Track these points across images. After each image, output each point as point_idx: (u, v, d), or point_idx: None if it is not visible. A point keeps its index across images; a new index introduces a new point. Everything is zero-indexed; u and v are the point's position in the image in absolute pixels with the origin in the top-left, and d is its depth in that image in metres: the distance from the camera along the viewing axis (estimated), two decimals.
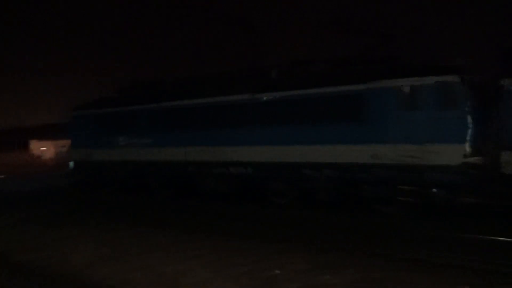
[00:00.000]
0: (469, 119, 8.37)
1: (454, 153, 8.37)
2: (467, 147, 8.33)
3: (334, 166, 9.86)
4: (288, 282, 5.51)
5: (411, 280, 5.40)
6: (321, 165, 10.04)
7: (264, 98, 11.01)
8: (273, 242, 7.43)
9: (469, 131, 8.38)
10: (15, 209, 12.16)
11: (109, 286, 5.43)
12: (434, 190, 8.74)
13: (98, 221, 9.90)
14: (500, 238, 6.96)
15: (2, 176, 23.55)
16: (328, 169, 9.97)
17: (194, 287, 5.48)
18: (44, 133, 34.26)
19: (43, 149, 34.66)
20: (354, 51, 11.64)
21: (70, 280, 5.69)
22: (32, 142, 35.46)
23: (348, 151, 9.61)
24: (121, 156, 14.00)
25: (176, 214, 10.51)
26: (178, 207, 11.41)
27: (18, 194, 15.84)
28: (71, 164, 15.78)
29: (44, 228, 9.29)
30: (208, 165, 11.95)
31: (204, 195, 12.29)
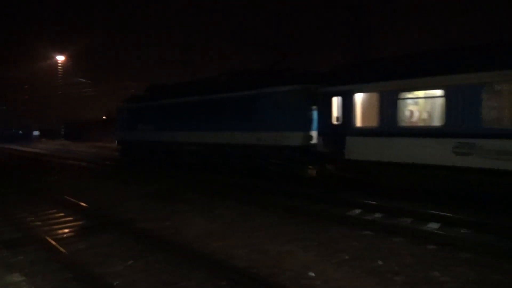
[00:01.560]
0: (308, 115, 12.45)
1: (298, 138, 12.62)
2: (306, 134, 12.50)
3: (241, 146, 14.45)
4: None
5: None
6: (235, 145, 14.70)
7: (203, 99, 16.47)
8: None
9: (308, 124, 12.46)
10: (131, 185, 13.82)
11: (217, 260, 5.86)
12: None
13: (205, 199, 10.71)
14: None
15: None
16: (238, 148, 14.63)
17: (295, 268, 5.63)
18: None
19: None
20: (262, 64, 17.95)
21: (183, 250, 6.28)
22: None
23: (247, 136, 14.12)
24: (139, 137, 20.87)
25: (278, 197, 10.83)
26: (280, 189, 11.72)
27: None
28: (116, 142, 23.86)
29: (161, 203, 10.37)
30: (183, 144, 17.43)
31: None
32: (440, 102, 9.51)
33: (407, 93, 10.18)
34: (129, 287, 5.15)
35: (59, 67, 44.10)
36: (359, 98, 11.27)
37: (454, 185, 9.23)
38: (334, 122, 11.71)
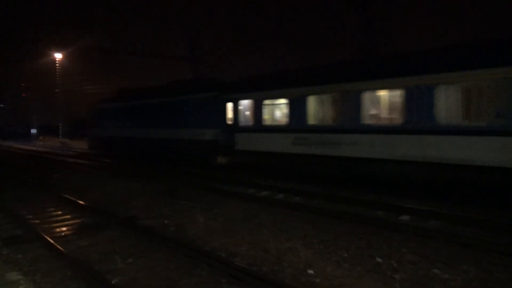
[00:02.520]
0: (217, 116, 15.67)
1: (209, 134, 16.15)
2: (215, 131, 15.89)
3: (175, 140, 18.20)
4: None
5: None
6: (171, 140, 18.45)
7: (151, 102, 20.30)
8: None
9: (216, 123, 15.78)
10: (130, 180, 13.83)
11: (218, 257, 5.86)
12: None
13: (207, 197, 10.71)
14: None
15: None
16: (173, 142, 18.34)
17: (296, 266, 5.63)
18: None
19: None
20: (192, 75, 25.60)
21: (185, 247, 6.28)
22: None
23: (179, 132, 17.95)
24: (106, 133, 24.63)
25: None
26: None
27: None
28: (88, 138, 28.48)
29: (162, 201, 10.37)
30: (137, 139, 21.12)
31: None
32: (285, 108, 13.19)
33: (267, 100, 13.98)
34: (129, 284, 5.15)
35: (57, 65, 43.99)
36: (242, 103, 15.00)
37: (295, 165, 13.12)
38: (228, 122, 15.38)
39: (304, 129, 12.46)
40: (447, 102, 9.37)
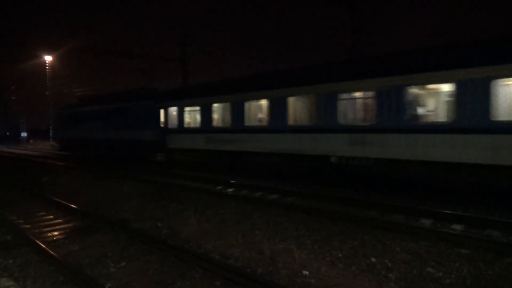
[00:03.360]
0: (155, 120, 18.51)
1: (148, 135, 18.94)
2: (153, 132, 18.66)
3: (123, 140, 20.96)
4: None
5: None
6: (120, 140, 21.20)
7: (104, 107, 23.32)
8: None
9: (154, 126, 18.60)
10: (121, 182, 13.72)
11: (211, 259, 5.82)
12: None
13: (199, 199, 10.65)
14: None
15: None
16: (122, 142, 21.05)
17: (291, 267, 5.61)
18: None
19: None
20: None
21: (178, 250, 6.23)
22: None
23: (126, 134, 20.72)
24: (71, 135, 27.68)
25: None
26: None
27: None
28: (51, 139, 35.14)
29: (153, 203, 10.29)
30: (94, 140, 24.05)
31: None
32: (199, 113, 16.57)
33: (187, 107, 17.37)
34: None
35: (47, 67, 43.51)
36: (171, 110, 18.23)
37: (209, 159, 16.34)
38: (162, 125, 18.56)
39: (211, 130, 15.97)
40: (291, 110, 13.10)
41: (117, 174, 16.28)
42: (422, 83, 9.95)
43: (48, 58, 42.43)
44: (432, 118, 10.21)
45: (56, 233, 7.68)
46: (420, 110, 10.42)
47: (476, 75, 8.79)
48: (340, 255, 6.10)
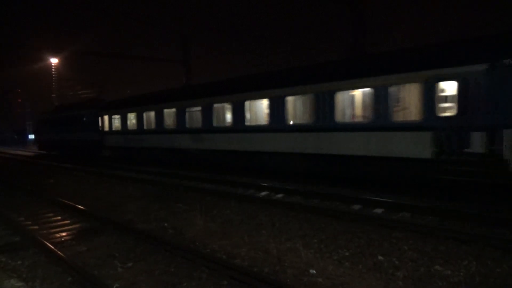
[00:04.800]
0: (97, 124, 24.26)
1: (95, 136, 24.84)
2: (97, 134, 24.58)
3: (78, 141, 26.75)
4: None
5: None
6: (77, 141, 26.86)
7: (65, 115, 29.18)
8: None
9: (97, 129, 24.39)
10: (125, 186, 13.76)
11: (218, 259, 5.83)
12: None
13: (203, 199, 10.67)
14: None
15: None
16: (79, 142, 26.73)
17: (298, 266, 5.60)
18: None
19: None
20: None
21: (184, 250, 6.24)
22: None
23: (80, 136, 26.41)
24: (47, 137, 32.97)
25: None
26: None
27: None
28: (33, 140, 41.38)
29: (158, 204, 10.32)
30: (62, 141, 29.47)
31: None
32: (135, 118, 20.90)
33: (114, 115, 22.79)
34: None
35: (53, 70, 43.84)
36: (106, 117, 23.68)
37: (131, 154, 21.78)
38: (101, 129, 24.15)
39: (127, 132, 21.60)
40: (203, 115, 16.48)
41: (122, 176, 16.35)
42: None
43: (54, 61, 42.69)
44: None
45: (63, 234, 7.72)
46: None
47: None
48: (346, 253, 6.08)
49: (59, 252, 6.23)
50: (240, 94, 14.43)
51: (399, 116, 10.50)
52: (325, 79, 11.65)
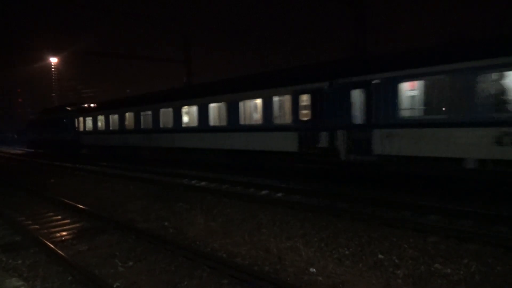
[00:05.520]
0: (74, 126, 28.44)
1: (71, 136, 28.99)
2: (72, 134, 29.03)
3: (60, 140, 30.43)
4: None
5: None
6: (59, 140, 30.66)
7: (49, 117, 33.16)
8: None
9: (74, 129, 28.51)
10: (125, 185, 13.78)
11: (219, 258, 5.84)
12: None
13: (204, 198, 10.67)
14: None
15: None
16: (61, 141, 30.30)
17: (298, 265, 5.61)
18: None
19: None
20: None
21: (185, 249, 6.25)
22: None
23: (61, 136, 30.11)
24: (35, 137, 36.47)
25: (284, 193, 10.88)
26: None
27: None
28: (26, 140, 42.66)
29: (158, 203, 10.33)
30: (50, 140, 32.60)
31: None
32: (104, 120, 24.40)
33: (87, 118, 26.61)
34: None
35: (53, 69, 43.88)
36: (80, 119, 27.38)
37: (101, 150, 25.69)
38: (77, 129, 27.67)
39: (98, 133, 25.25)
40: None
41: (123, 175, 16.37)
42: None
43: (53, 60, 42.70)
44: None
45: (64, 233, 7.74)
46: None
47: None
48: (347, 252, 6.09)
49: (59, 252, 6.25)
50: (177, 101, 18.29)
51: (279, 120, 13.48)
52: (232, 91, 15.20)
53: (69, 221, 8.74)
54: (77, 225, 8.36)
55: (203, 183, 13.39)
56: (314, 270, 5.42)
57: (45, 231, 7.93)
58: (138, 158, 21.07)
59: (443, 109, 9.55)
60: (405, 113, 10.12)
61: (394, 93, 10.09)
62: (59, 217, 9.18)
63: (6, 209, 9.94)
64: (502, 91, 8.64)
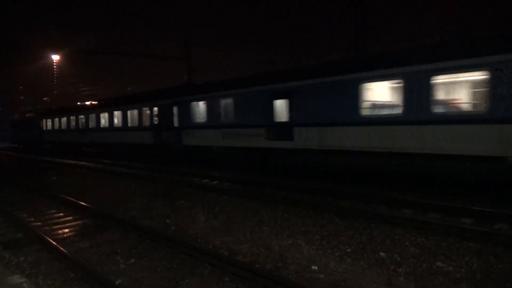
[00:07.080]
0: (39, 126, 35.29)
1: (38, 133, 35.70)
2: (40, 132, 35.27)
3: (31, 137, 37.61)
4: None
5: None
6: (31, 136, 37.86)
7: (26, 118, 39.56)
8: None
9: (40, 128, 35.19)
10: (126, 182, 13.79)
11: (220, 255, 5.85)
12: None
13: (205, 196, 10.68)
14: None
15: None
16: (30, 137, 37.84)
17: (300, 262, 5.62)
18: None
19: None
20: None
21: (186, 247, 6.26)
22: None
23: (32, 133, 37.53)
24: (19, 135, 41.13)
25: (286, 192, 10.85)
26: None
27: None
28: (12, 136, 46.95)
29: (160, 201, 10.34)
30: (26, 137, 39.32)
31: None
32: (58, 122, 31.23)
33: (48, 119, 33.48)
34: (133, 285, 5.13)
35: (55, 66, 43.91)
36: (45, 120, 33.82)
37: (61, 146, 31.18)
38: (43, 128, 34.00)
39: (55, 131, 31.26)
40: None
41: (124, 172, 16.39)
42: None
43: (55, 58, 42.68)
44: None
45: (66, 230, 7.76)
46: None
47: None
48: (348, 250, 6.10)
49: (62, 249, 6.26)
50: (97, 109, 25.83)
51: (145, 123, 20.45)
52: (124, 103, 22.81)
53: (71, 218, 8.75)
54: (79, 222, 8.38)
55: (204, 181, 13.40)
56: (316, 267, 5.42)
57: (47, 228, 7.94)
58: (79, 151, 27.73)
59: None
60: (193, 120, 17.02)
61: (188, 109, 17.25)
62: (61, 214, 9.19)
63: (8, 206, 9.96)
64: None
